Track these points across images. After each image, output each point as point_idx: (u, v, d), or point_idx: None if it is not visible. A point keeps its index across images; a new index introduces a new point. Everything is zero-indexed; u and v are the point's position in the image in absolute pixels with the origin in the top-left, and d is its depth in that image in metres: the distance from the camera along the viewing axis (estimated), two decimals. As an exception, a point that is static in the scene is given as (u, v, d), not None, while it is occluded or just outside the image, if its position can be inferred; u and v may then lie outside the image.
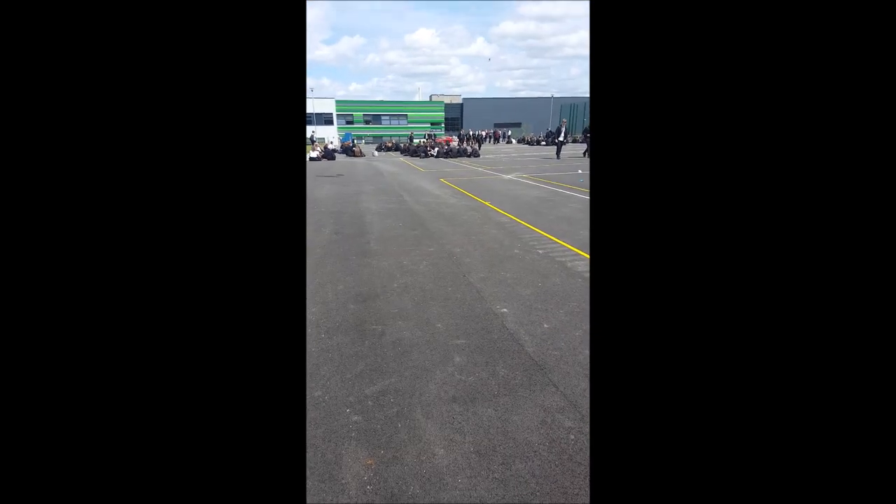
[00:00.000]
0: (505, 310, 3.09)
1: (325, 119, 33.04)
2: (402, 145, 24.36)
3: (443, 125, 39.86)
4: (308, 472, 1.65)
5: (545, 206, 7.01)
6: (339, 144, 23.71)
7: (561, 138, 17.05)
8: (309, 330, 2.82)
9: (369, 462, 1.71)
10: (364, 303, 3.26)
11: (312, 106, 31.75)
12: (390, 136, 31.97)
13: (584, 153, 16.97)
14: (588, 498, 1.53)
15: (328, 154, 19.00)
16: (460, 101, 46.04)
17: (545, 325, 2.84)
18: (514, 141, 35.02)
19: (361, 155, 21.18)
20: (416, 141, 24.68)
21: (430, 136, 26.11)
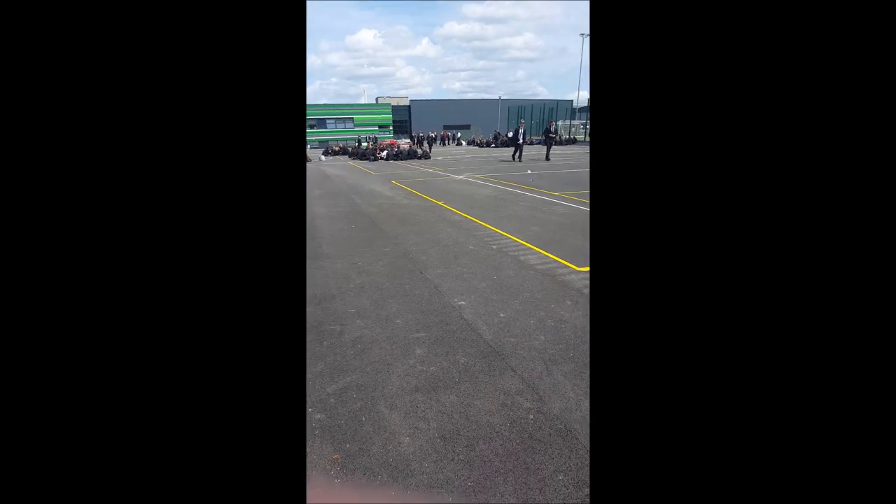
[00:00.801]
0: (462, 302, 3.16)
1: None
2: (349, 149, 24.01)
3: (391, 128, 39.64)
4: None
5: (497, 204, 7.17)
6: (284, 149, 22.94)
7: (520, 140, 15.97)
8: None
9: (335, 457, 1.71)
10: (319, 304, 3.21)
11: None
12: (336, 139, 31.42)
13: (547, 157, 15.83)
14: (564, 489, 1.62)
15: (273, 159, 18.38)
16: (408, 104, 46.07)
17: (501, 315, 2.93)
18: (464, 143, 35.46)
19: (308, 160, 20.71)
20: (364, 144, 24.43)
21: (372, 139, 25.85)
